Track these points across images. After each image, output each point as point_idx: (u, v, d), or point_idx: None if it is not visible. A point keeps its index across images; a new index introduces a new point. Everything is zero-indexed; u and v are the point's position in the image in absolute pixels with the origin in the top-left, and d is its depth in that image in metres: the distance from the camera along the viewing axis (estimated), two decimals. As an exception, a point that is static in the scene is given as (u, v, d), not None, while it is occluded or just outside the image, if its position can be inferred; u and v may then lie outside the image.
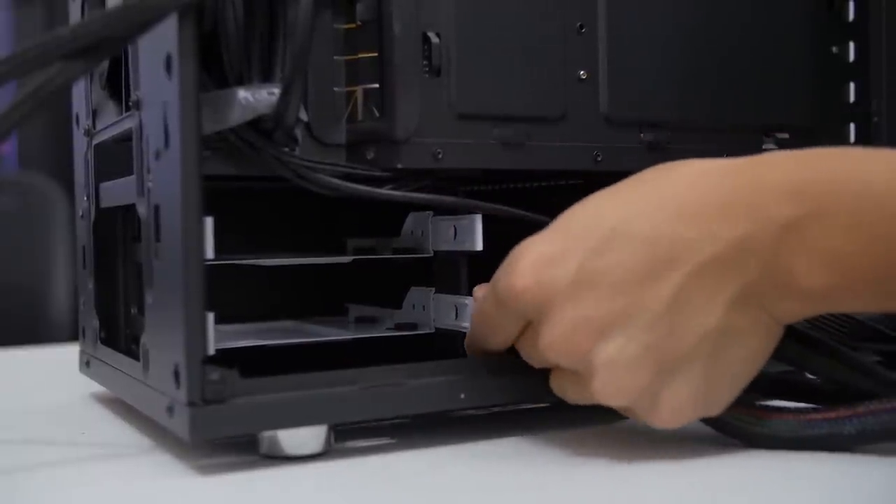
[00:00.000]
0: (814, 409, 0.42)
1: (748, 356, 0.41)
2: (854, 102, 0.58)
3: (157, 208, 0.43)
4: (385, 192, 0.46)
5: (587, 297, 0.39)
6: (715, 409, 0.41)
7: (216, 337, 0.40)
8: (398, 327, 0.54)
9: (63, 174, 1.18)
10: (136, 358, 0.46)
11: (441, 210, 0.50)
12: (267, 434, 0.42)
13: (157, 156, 0.42)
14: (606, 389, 0.40)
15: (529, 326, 0.43)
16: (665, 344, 0.39)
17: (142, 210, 0.45)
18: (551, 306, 0.40)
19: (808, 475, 0.40)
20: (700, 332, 0.39)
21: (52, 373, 0.70)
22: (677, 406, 0.40)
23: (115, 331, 0.55)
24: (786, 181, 0.39)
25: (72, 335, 1.28)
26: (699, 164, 0.41)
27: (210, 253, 0.40)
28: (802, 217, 0.38)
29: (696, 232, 0.39)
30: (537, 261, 0.41)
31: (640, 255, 0.39)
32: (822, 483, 0.39)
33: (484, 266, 0.50)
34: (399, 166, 0.45)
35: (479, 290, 0.47)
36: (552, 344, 0.40)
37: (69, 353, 0.63)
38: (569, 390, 0.43)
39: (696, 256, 0.39)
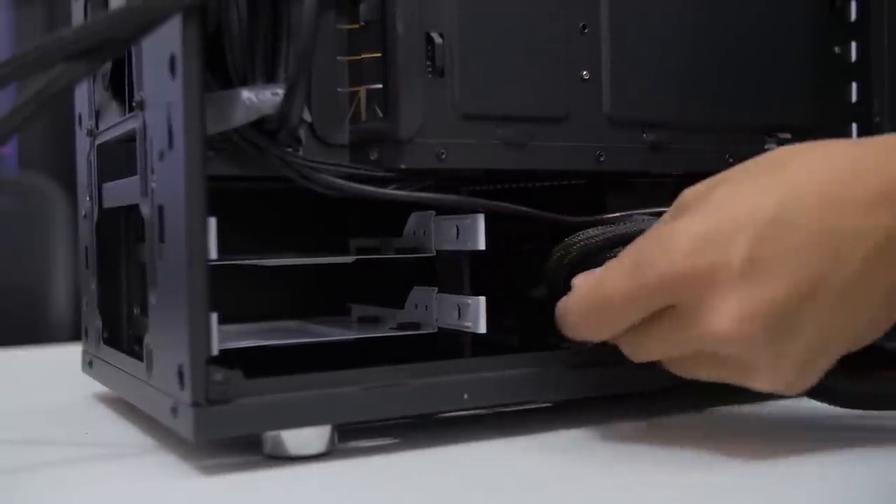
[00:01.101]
0: None
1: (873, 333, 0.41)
2: (856, 102, 0.58)
3: (160, 209, 0.43)
4: (389, 191, 0.46)
5: (761, 284, 0.38)
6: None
7: (220, 337, 0.40)
8: (401, 327, 0.54)
9: (63, 174, 1.18)
10: (140, 358, 0.46)
11: (444, 209, 0.50)
12: (271, 434, 0.42)
13: (161, 156, 0.42)
14: (776, 382, 0.40)
15: (667, 312, 0.40)
16: (835, 338, 0.40)
17: (145, 211, 0.45)
18: (718, 291, 0.39)
19: (812, 473, 0.40)
20: (864, 324, 0.40)
21: (54, 373, 0.70)
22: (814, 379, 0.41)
23: (117, 331, 0.55)
24: None
25: (72, 335, 1.29)
26: (833, 147, 0.41)
27: (214, 253, 0.40)
28: None
29: (856, 223, 0.39)
30: (698, 241, 0.39)
31: (807, 246, 0.38)
32: (825, 482, 0.39)
33: (486, 266, 0.50)
34: (402, 166, 0.45)
35: (585, 278, 0.44)
36: (724, 331, 0.39)
37: (70, 353, 0.63)
38: (705, 371, 0.42)
39: (861, 250, 0.38)
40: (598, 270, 0.43)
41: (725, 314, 0.39)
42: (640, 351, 0.43)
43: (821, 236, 0.39)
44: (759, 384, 0.41)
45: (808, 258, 0.38)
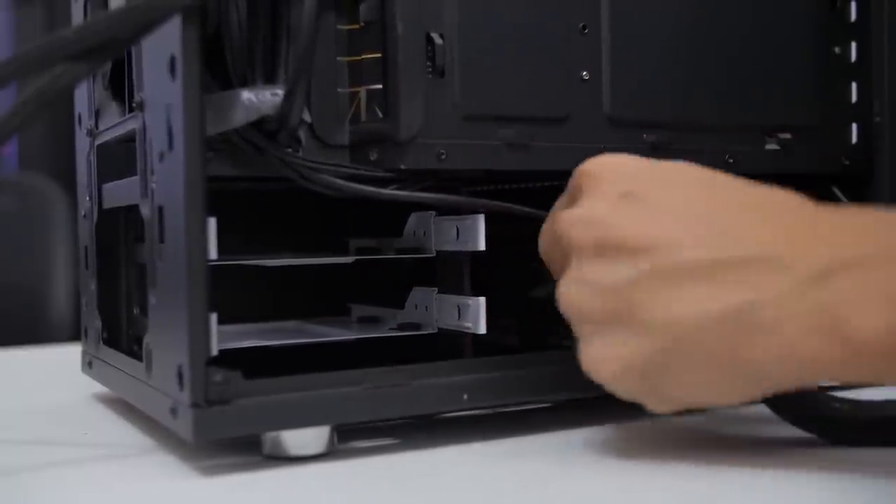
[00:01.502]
0: None
1: None
2: (856, 103, 0.58)
3: (160, 209, 0.43)
4: (389, 192, 0.46)
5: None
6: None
7: (219, 338, 0.40)
8: (401, 327, 0.54)
9: (63, 174, 1.18)
10: (139, 359, 0.46)
11: (445, 210, 0.50)
12: (270, 435, 0.42)
13: (161, 157, 0.42)
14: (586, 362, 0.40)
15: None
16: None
17: (145, 211, 0.45)
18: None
19: (813, 473, 0.40)
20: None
21: (53, 373, 0.70)
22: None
23: (117, 331, 0.55)
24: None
25: (72, 335, 1.29)
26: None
27: (213, 253, 0.40)
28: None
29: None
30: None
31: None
32: (826, 482, 0.39)
33: (486, 266, 0.50)
34: (402, 167, 0.45)
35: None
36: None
37: (69, 353, 0.63)
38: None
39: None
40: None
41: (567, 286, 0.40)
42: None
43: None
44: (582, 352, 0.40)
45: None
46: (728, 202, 0.39)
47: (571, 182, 0.43)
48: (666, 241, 0.38)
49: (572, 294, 0.40)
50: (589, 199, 0.41)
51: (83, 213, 0.57)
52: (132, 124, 0.47)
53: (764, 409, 0.50)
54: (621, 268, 0.38)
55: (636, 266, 0.38)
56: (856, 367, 0.34)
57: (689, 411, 0.43)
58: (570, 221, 0.41)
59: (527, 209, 0.49)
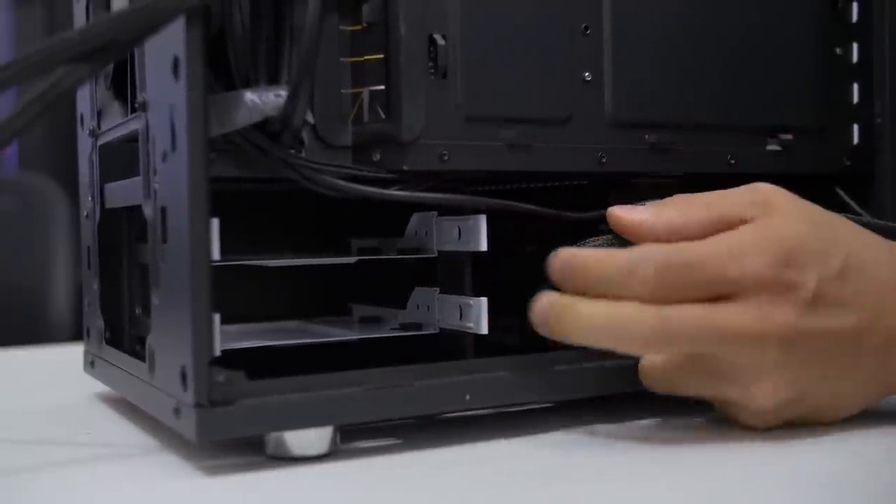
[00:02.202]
0: None
1: None
2: (857, 103, 0.58)
3: (163, 210, 0.43)
4: (391, 192, 0.46)
5: (821, 314, 0.43)
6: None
7: (222, 338, 0.40)
8: (403, 328, 0.54)
9: (63, 174, 1.19)
10: (142, 359, 0.46)
11: (447, 210, 0.50)
12: (273, 435, 0.42)
13: (164, 158, 0.42)
14: (766, 402, 0.44)
15: (715, 300, 0.42)
16: (831, 388, 0.45)
17: (148, 212, 0.45)
18: (780, 301, 0.42)
19: (813, 472, 0.40)
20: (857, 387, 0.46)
21: (54, 373, 0.70)
22: None
23: (119, 331, 0.55)
24: None
25: (72, 335, 1.29)
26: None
27: (216, 254, 0.40)
28: None
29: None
30: (790, 254, 0.43)
31: (869, 292, 0.44)
32: (826, 481, 0.39)
33: (488, 266, 0.50)
34: (405, 168, 0.45)
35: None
36: (764, 333, 0.42)
37: (70, 353, 0.63)
38: (698, 377, 0.44)
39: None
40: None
41: (783, 318, 0.42)
42: (669, 328, 0.42)
43: (874, 289, 0.44)
44: (759, 399, 0.44)
45: (863, 307, 0.44)
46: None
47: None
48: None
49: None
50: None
51: (85, 214, 0.57)
52: (135, 125, 0.47)
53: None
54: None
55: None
56: None
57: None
58: None
59: (531, 207, 0.49)
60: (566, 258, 0.44)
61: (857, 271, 0.44)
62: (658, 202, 0.46)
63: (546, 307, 0.43)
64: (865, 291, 0.44)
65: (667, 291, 0.42)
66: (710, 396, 0.46)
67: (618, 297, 0.42)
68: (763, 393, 0.43)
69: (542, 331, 0.44)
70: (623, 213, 0.46)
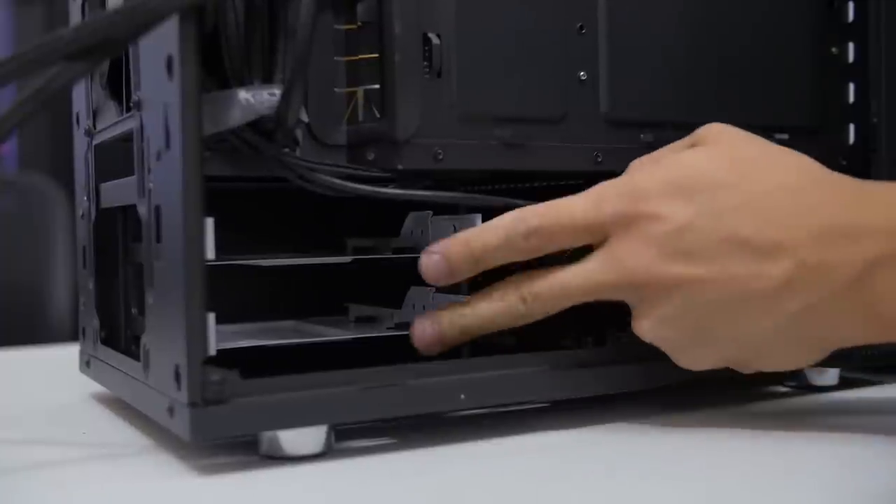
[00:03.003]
0: None
1: None
2: (853, 103, 0.58)
3: (157, 209, 0.43)
4: (386, 190, 0.46)
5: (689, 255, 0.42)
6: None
7: (216, 337, 0.40)
8: (398, 327, 0.54)
9: (63, 174, 1.18)
10: (137, 358, 0.46)
11: (443, 208, 0.50)
12: (267, 434, 0.42)
13: (158, 156, 0.42)
14: (644, 332, 0.44)
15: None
16: (718, 333, 0.44)
17: (142, 211, 0.45)
18: (652, 239, 0.43)
19: (812, 472, 0.40)
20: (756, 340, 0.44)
21: (53, 373, 0.70)
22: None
23: (115, 331, 0.55)
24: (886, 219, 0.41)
25: (72, 335, 1.28)
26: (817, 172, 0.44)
27: (210, 253, 0.40)
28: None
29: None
30: (662, 189, 0.43)
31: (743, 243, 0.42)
32: (826, 481, 0.39)
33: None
34: (399, 167, 0.45)
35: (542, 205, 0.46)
36: (640, 273, 0.43)
37: (69, 353, 0.63)
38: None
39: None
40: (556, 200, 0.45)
41: (641, 260, 0.42)
42: (555, 283, 0.44)
43: (776, 224, 0.41)
44: (642, 333, 0.44)
45: (735, 254, 0.41)
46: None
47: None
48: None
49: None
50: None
51: (81, 213, 0.57)
52: (130, 124, 0.47)
53: (761, 408, 0.50)
54: None
55: None
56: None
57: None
58: None
59: (527, 203, 0.49)
60: (442, 251, 0.45)
61: (758, 205, 0.42)
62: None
63: (432, 323, 0.45)
64: (764, 227, 0.41)
65: (541, 240, 0.44)
66: None
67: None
68: (643, 328, 0.44)
69: (434, 348, 0.46)
70: None
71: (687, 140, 0.46)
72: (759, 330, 0.43)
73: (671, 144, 0.47)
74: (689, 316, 0.43)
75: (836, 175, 0.44)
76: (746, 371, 0.45)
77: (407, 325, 0.53)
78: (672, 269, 0.42)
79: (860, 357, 0.46)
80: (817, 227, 0.41)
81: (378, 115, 0.45)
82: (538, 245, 0.44)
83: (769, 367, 0.45)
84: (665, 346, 0.45)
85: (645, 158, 0.46)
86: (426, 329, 0.45)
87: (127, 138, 0.48)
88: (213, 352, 0.40)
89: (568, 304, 0.45)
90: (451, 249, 0.45)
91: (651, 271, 0.42)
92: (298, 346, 0.52)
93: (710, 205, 0.42)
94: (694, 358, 0.45)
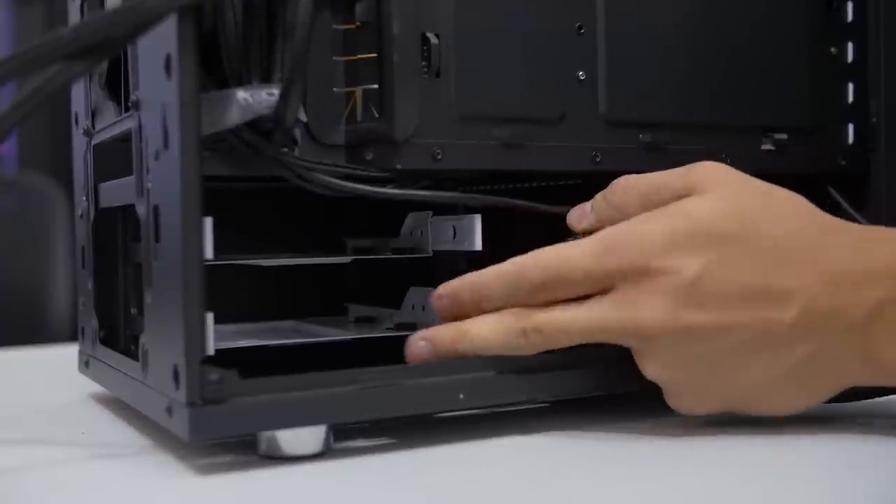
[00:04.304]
0: None
1: None
2: (852, 103, 0.58)
3: (156, 209, 0.43)
4: (384, 190, 0.46)
5: (697, 306, 0.42)
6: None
7: (215, 337, 0.40)
8: (398, 327, 0.54)
9: (63, 174, 1.18)
10: (136, 358, 0.46)
11: (441, 207, 0.50)
12: (266, 434, 0.42)
13: (157, 156, 0.42)
14: (658, 376, 0.44)
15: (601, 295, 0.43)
16: (727, 381, 0.44)
17: (141, 210, 0.45)
18: (662, 293, 0.42)
19: (812, 472, 0.40)
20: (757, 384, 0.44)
21: (52, 373, 0.70)
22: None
23: (114, 331, 0.55)
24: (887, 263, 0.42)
25: (72, 335, 1.28)
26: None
27: (209, 253, 0.40)
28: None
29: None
30: (667, 245, 0.42)
31: (749, 290, 0.42)
32: (825, 481, 0.39)
33: (483, 266, 0.50)
34: (398, 167, 0.45)
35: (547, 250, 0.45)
36: (649, 324, 0.42)
37: (69, 353, 0.63)
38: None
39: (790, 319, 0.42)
40: (557, 246, 0.45)
41: (655, 312, 0.42)
42: (556, 324, 0.44)
43: (783, 272, 0.42)
44: (651, 376, 0.44)
45: (746, 302, 0.42)
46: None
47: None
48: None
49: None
50: None
51: (80, 213, 0.57)
52: (128, 123, 0.47)
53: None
54: None
55: None
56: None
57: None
58: None
59: (524, 202, 0.49)
60: (450, 290, 0.46)
61: (767, 251, 0.42)
62: (602, 193, 0.47)
63: (427, 344, 0.45)
64: (772, 275, 0.42)
65: (547, 296, 0.44)
66: None
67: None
68: (653, 371, 0.44)
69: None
70: (573, 215, 0.48)
71: (678, 176, 0.45)
72: (766, 375, 0.43)
73: (662, 175, 0.46)
74: (698, 362, 0.43)
75: (837, 220, 0.45)
76: (744, 414, 0.45)
77: (407, 326, 0.53)
78: (683, 319, 0.42)
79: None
80: (825, 273, 0.42)
81: (377, 115, 0.45)
82: (542, 300, 0.44)
83: (770, 410, 0.45)
84: (669, 388, 0.45)
85: (637, 198, 0.45)
86: (422, 350, 0.45)
87: (125, 138, 0.48)
88: (211, 351, 0.40)
89: (568, 343, 0.44)
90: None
91: (663, 323, 0.42)
92: (297, 346, 0.52)
93: (719, 256, 0.42)
94: (697, 401, 0.45)
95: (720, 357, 0.43)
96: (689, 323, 0.42)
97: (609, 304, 0.43)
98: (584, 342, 0.44)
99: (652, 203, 0.44)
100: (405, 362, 0.45)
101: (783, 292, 0.42)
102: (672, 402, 0.45)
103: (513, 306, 0.45)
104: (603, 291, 0.43)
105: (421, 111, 0.45)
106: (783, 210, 0.44)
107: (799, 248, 0.43)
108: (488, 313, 0.45)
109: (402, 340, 0.52)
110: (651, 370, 0.44)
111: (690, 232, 0.43)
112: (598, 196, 0.47)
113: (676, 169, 0.46)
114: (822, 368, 0.43)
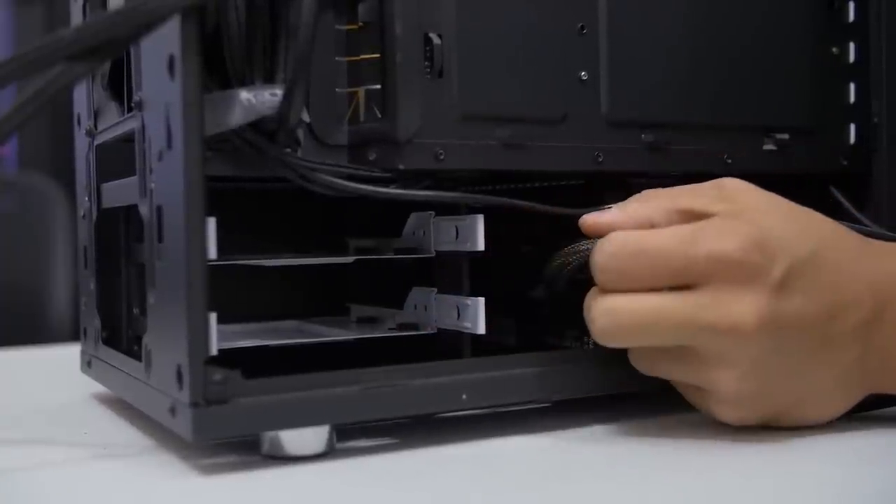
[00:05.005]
0: None
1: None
2: (854, 103, 0.58)
3: (159, 209, 0.43)
4: (387, 190, 0.46)
5: (790, 299, 0.42)
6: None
7: (218, 337, 0.40)
8: (400, 327, 0.54)
9: (63, 174, 1.19)
10: (138, 358, 0.46)
11: (444, 207, 0.50)
12: (269, 434, 0.42)
13: (160, 157, 0.42)
14: (736, 393, 0.43)
15: (684, 290, 0.42)
16: (799, 382, 0.45)
17: (144, 211, 0.45)
18: (753, 287, 0.42)
19: (812, 472, 0.40)
20: (821, 388, 0.45)
21: (53, 373, 0.70)
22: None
23: (116, 331, 0.55)
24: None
25: (72, 335, 1.29)
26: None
27: (212, 253, 0.40)
28: None
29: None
30: (754, 242, 0.42)
31: (833, 285, 0.43)
32: (825, 481, 0.39)
33: (485, 266, 0.50)
34: (401, 167, 0.45)
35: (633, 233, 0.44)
36: (743, 320, 0.41)
37: (70, 353, 0.63)
38: (679, 366, 0.44)
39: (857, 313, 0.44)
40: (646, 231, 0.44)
41: (751, 307, 0.41)
42: (641, 320, 0.43)
43: (844, 280, 0.44)
44: (721, 385, 0.43)
45: (832, 295, 0.43)
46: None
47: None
48: None
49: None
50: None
51: (82, 214, 0.57)
52: (131, 124, 0.47)
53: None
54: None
55: None
56: None
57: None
58: None
59: (526, 203, 0.49)
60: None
61: (828, 261, 0.43)
62: (624, 201, 0.47)
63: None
64: (837, 283, 0.43)
65: (625, 281, 0.43)
66: (679, 381, 0.45)
67: None
68: (727, 379, 0.43)
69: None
70: (593, 219, 0.46)
71: (709, 189, 0.45)
72: (822, 377, 0.44)
73: (689, 188, 0.46)
74: (771, 360, 0.42)
75: (858, 235, 0.47)
76: (783, 425, 0.45)
77: (409, 326, 0.53)
78: (777, 312, 0.42)
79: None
80: (873, 282, 0.44)
81: (379, 115, 0.45)
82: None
83: (812, 417, 0.45)
84: (729, 396, 0.44)
85: (665, 192, 0.46)
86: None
87: (128, 138, 0.48)
88: (214, 352, 0.40)
89: (646, 341, 0.44)
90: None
91: (760, 316, 0.42)
92: (300, 346, 0.52)
93: (796, 257, 0.43)
94: (750, 410, 0.44)
95: (791, 356, 0.43)
96: (781, 315, 0.42)
97: (705, 296, 0.42)
98: (665, 336, 0.43)
99: (684, 203, 0.45)
100: (408, 362, 0.45)
101: (854, 297, 0.43)
102: (721, 409, 0.44)
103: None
104: (689, 286, 0.42)
105: (423, 111, 0.45)
106: (821, 234, 0.45)
107: (848, 262, 0.44)
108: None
109: (404, 341, 0.52)
110: (731, 376, 0.43)
111: (767, 240, 0.42)
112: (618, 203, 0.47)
113: (701, 184, 0.46)
114: (860, 373, 0.44)
